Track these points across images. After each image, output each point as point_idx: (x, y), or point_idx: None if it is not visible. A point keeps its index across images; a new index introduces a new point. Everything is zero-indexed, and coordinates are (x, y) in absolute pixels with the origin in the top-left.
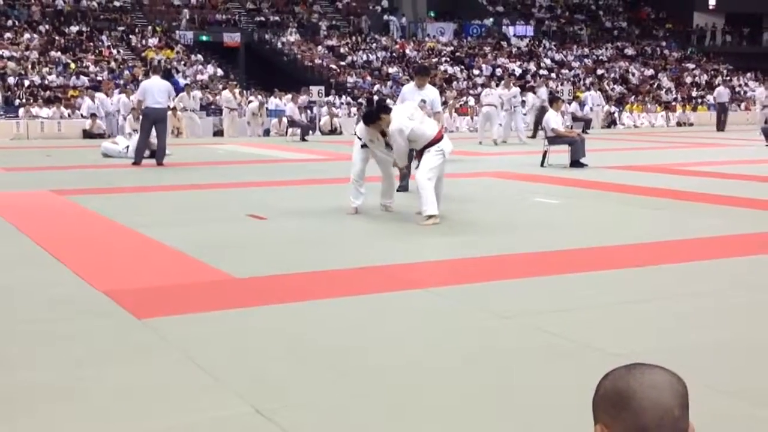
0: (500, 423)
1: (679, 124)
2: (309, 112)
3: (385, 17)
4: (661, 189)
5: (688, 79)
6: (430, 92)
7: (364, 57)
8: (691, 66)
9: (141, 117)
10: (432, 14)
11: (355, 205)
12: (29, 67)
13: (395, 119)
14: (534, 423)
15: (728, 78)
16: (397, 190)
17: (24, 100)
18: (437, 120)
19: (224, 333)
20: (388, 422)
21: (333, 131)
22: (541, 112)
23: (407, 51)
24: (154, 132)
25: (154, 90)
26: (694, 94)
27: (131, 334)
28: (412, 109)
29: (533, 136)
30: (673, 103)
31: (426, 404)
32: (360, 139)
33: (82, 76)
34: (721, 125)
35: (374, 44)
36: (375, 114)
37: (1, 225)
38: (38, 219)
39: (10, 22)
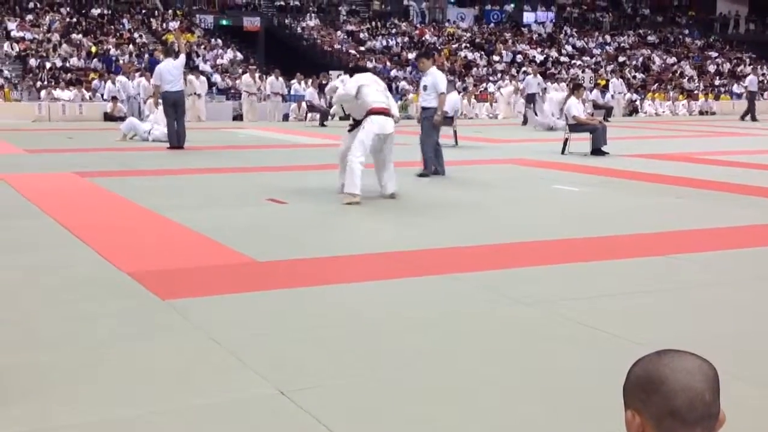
0: (525, 406)
1: (701, 112)
2: (328, 96)
3: (405, 2)
4: (683, 178)
5: (711, 68)
6: (430, 76)
7: (384, 42)
8: (713, 54)
9: (162, 102)
10: (452, 0)
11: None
12: (50, 49)
13: (347, 80)
14: (559, 407)
15: (752, 66)
16: (419, 176)
17: (45, 83)
18: (440, 102)
19: (247, 315)
20: (410, 404)
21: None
22: (528, 99)
23: (427, 36)
24: None
25: (168, 73)
26: (716, 82)
27: (155, 314)
28: (370, 78)
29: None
30: (696, 92)
31: (448, 387)
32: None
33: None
34: (750, 114)
35: (394, 29)
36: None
37: (27, 206)
38: (62, 201)
39: (31, 4)
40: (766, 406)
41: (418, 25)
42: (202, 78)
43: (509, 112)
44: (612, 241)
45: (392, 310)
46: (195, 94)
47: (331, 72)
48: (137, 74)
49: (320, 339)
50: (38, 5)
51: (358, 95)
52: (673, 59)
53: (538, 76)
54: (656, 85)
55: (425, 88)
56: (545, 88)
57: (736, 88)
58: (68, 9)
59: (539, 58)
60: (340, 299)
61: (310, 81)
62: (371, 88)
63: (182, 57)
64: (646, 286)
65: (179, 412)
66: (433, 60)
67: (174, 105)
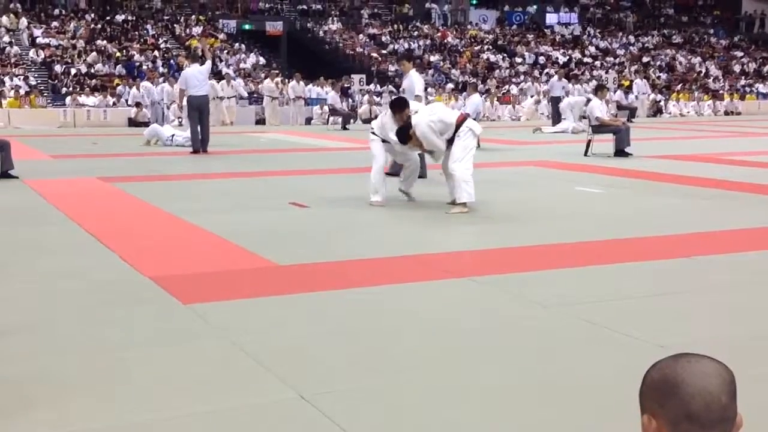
0: (541, 409)
1: (726, 113)
2: (350, 100)
3: (427, 5)
4: (708, 179)
5: (736, 68)
6: (407, 79)
7: (406, 45)
8: (739, 54)
9: (187, 106)
10: (474, 2)
11: (378, 199)
12: (75, 55)
13: (419, 124)
14: (574, 410)
15: None
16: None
17: (71, 89)
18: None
19: (268, 319)
20: (430, 407)
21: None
22: (553, 102)
23: (449, 39)
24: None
25: (194, 78)
26: (742, 82)
27: (176, 318)
28: (421, 106)
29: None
30: (721, 92)
31: (467, 390)
32: (376, 135)
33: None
34: None
35: (416, 32)
36: (404, 103)
37: (52, 212)
38: (86, 206)
39: (56, 11)
40: None
41: (440, 28)
42: (239, 81)
43: (533, 115)
44: (635, 242)
45: (413, 313)
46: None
47: (353, 75)
48: (161, 79)
49: (341, 343)
50: (63, 12)
51: (438, 125)
52: (698, 59)
53: (563, 79)
54: (681, 85)
55: (403, 90)
56: (568, 92)
57: (762, 88)
58: (93, 15)
59: (562, 59)
60: (361, 303)
61: (331, 84)
62: (435, 109)
63: (208, 63)
64: (667, 288)
65: (199, 416)
66: (414, 63)
67: (198, 109)
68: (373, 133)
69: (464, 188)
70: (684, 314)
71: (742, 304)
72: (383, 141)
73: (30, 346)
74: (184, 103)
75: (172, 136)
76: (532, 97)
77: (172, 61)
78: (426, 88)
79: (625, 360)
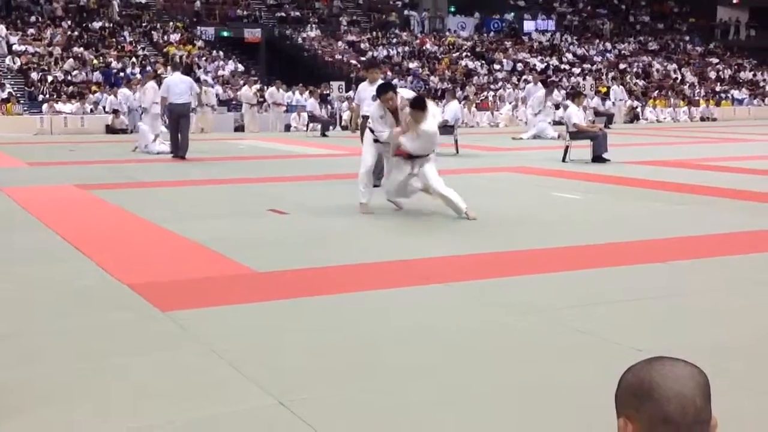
0: (520, 413)
1: (702, 119)
2: (330, 107)
3: (406, 12)
4: (684, 184)
5: (712, 74)
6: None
7: (385, 52)
8: (714, 61)
9: (167, 113)
10: (452, 9)
11: (365, 200)
12: (52, 62)
13: (431, 120)
14: (552, 414)
15: (752, 73)
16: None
17: (47, 96)
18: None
19: (246, 326)
20: (409, 412)
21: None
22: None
23: (428, 46)
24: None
25: (176, 86)
26: (717, 88)
27: (155, 326)
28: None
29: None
30: (696, 98)
31: (446, 400)
32: (372, 131)
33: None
34: None
35: (395, 39)
36: (389, 86)
37: (27, 219)
38: (63, 213)
39: (33, 18)
40: (762, 413)
41: (419, 35)
42: (212, 90)
43: (511, 121)
44: (612, 248)
45: (392, 320)
46: (208, 105)
47: (332, 82)
48: (138, 86)
49: (319, 349)
50: (40, 19)
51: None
52: (674, 66)
53: (539, 84)
54: (657, 91)
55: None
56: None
57: (737, 94)
58: (69, 22)
59: (540, 66)
60: (339, 309)
61: (310, 91)
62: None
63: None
64: (644, 293)
65: (179, 424)
66: (380, 71)
67: (179, 117)
68: (370, 128)
69: (459, 199)
70: (661, 319)
71: (719, 308)
72: (376, 141)
73: (6, 354)
74: (156, 110)
75: (155, 142)
76: (510, 103)
77: (149, 67)
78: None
79: (602, 364)
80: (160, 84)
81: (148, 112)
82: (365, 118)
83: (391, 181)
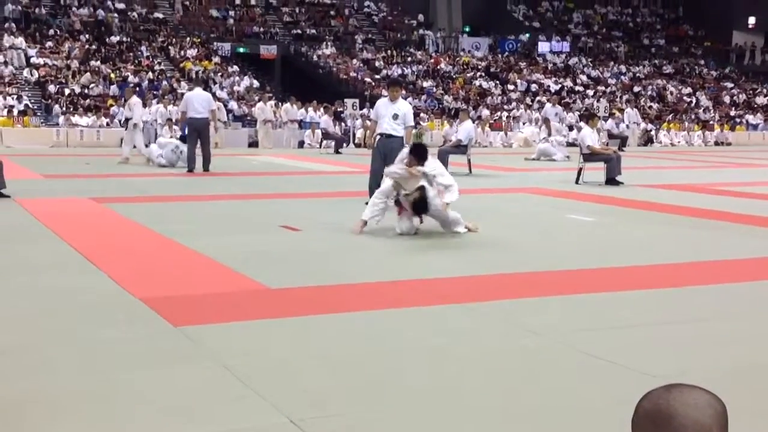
0: None
1: (716, 143)
2: (343, 124)
3: (421, 31)
4: (699, 209)
5: (727, 99)
6: (403, 106)
7: (399, 71)
8: (729, 85)
9: (186, 127)
10: (467, 29)
11: (366, 218)
12: (70, 76)
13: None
14: None
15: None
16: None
17: (64, 109)
18: (407, 135)
19: (259, 342)
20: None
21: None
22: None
23: (442, 65)
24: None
25: (196, 101)
26: (732, 113)
27: (167, 341)
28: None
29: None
30: (711, 122)
31: (457, 415)
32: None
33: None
34: None
35: (409, 58)
36: (421, 149)
37: (43, 232)
38: (78, 226)
39: (51, 31)
40: None
41: (434, 54)
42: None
43: (525, 142)
44: (626, 271)
45: (404, 339)
46: (221, 121)
47: (346, 100)
48: (155, 101)
49: (332, 367)
50: (58, 32)
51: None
52: (689, 89)
53: (557, 105)
54: (671, 115)
55: (396, 116)
56: (562, 119)
57: (751, 119)
58: (87, 36)
59: (554, 87)
60: (352, 327)
61: (324, 108)
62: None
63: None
64: (659, 318)
65: None
66: (401, 88)
67: (198, 131)
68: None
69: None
70: (674, 344)
71: (733, 334)
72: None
73: (19, 367)
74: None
75: (160, 155)
76: (524, 124)
77: (165, 82)
78: (418, 114)
79: (615, 389)
80: (144, 100)
81: (136, 127)
82: (382, 135)
83: (402, 225)
